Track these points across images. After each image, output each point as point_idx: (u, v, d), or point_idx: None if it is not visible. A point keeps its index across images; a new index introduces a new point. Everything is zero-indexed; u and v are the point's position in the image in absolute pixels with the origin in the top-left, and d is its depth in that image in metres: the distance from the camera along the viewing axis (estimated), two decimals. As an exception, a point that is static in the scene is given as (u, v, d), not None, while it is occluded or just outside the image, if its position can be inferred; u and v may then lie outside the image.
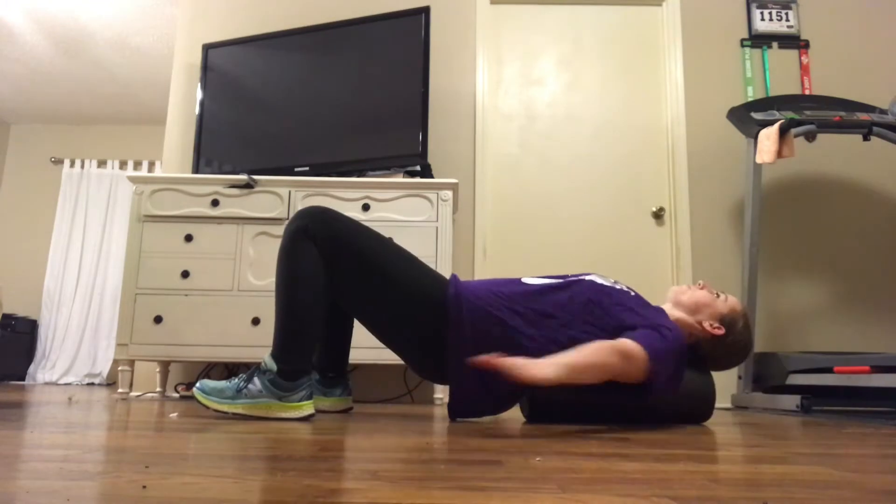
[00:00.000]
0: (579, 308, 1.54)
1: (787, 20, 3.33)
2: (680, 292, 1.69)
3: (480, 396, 1.57)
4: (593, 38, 3.39)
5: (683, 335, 1.52)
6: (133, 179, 2.72)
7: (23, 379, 5.40)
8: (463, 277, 3.06)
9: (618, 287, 1.61)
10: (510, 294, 1.57)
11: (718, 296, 1.66)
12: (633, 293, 1.62)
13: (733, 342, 1.64)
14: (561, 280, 1.63)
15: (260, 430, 1.23)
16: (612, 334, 1.48)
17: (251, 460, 0.79)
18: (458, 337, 1.52)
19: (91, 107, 5.72)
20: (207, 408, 1.53)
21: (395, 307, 1.56)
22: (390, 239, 1.67)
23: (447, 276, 2.40)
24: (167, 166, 3.27)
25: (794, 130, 2.62)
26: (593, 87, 3.34)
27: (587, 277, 1.63)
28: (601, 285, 1.60)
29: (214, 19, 3.41)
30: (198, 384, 1.57)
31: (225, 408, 1.51)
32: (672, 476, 0.72)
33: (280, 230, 2.66)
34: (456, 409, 1.62)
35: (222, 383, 1.54)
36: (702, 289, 1.68)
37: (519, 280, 1.64)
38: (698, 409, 1.68)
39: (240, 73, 3.09)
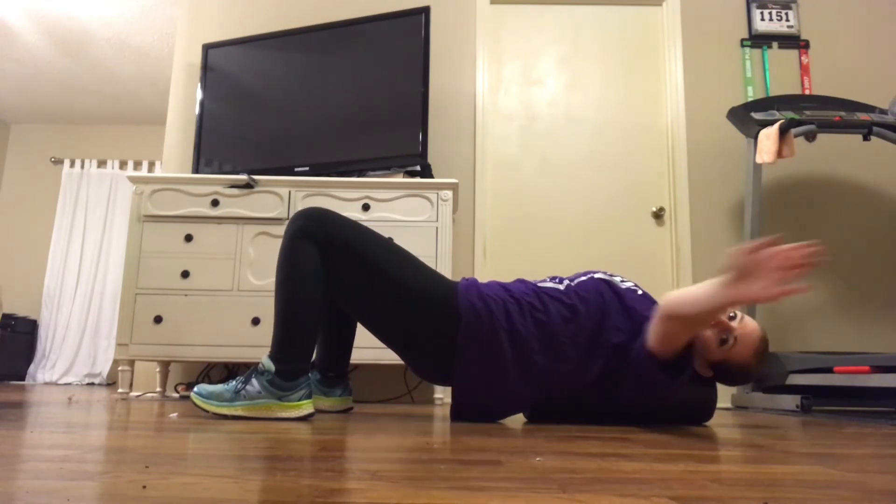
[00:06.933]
0: (591, 311, 1.56)
1: (787, 20, 3.33)
2: None
3: (486, 399, 1.57)
4: (593, 38, 3.39)
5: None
6: (133, 179, 2.72)
7: (23, 379, 5.40)
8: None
9: (624, 286, 1.61)
10: (522, 298, 1.57)
11: (734, 316, 1.44)
12: (640, 292, 1.62)
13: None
14: (571, 282, 1.64)
15: (260, 430, 1.22)
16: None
17: (251, 460, 0.79)
18: (468, 339, 1.52)
19: (91, 107, 5.71)
20: (206, 411, 1.53)
21: (397, 310, 1.56)
22: (390, 239, 1.67)
23: (448, 276, 2.40)
24: (167, 166, 3.27)
25: (794, 130, 2.62)
26: (593, 87, 3.34)
27: (596, 275, 1.64)
28: (611, 283, 1.61)
29: (214, 19, 3.41)
30: (195, 389, 1.56)
31: (224, 410, 1.51)
32: (672, 476, 0.72)
33: (280, 230, 2.66)
34: (460, 412, 1.62)
35: (219, 387, 1.54)
36: None
37: (534, 284, 1.64)
38: (699, 411, 1.68)
39: (240, 73, 3.09)
